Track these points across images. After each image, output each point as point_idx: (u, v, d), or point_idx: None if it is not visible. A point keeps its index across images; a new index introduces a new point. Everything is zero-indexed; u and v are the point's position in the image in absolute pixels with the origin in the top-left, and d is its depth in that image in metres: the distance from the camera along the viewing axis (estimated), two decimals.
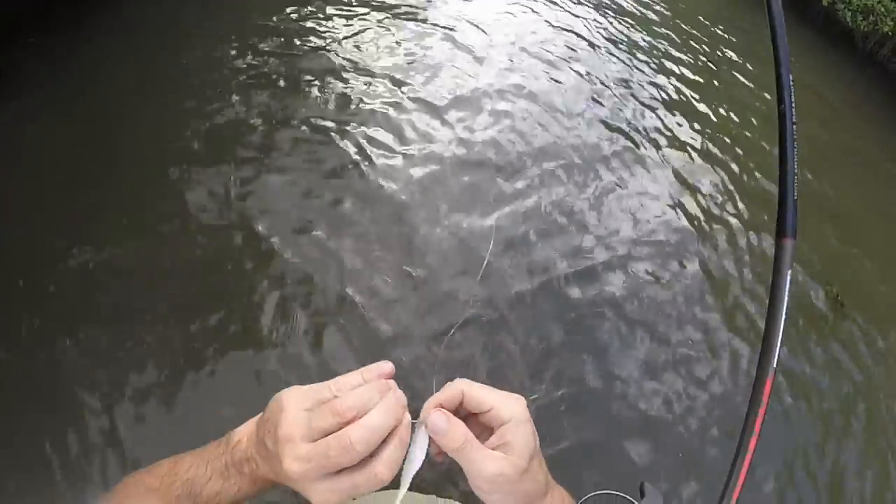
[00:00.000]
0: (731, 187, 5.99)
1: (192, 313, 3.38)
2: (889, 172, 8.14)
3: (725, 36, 9.59)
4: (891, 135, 9.57)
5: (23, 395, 2.92)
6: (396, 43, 6.05)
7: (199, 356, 3.19)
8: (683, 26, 9.24)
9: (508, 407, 0.78)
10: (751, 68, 8.69)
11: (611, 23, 8.34)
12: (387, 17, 6.35)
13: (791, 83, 0.95)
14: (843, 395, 4.54)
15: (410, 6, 6.68)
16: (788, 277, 0.88)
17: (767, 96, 7.99)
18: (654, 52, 8.07)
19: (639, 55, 7.75)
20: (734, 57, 8.92)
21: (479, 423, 0.81)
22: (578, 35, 7.63)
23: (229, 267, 3.65)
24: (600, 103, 6.45)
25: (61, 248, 3.48)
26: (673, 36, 8.72)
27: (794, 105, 0.93)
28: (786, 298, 0.87)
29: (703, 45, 8.89)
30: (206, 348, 3.24)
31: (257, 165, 4.30)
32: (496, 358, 3.73)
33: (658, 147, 6.17)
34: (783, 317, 0.87)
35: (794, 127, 0.92)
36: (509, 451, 0.75)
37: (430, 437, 0.77)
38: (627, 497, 0.97)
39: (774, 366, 0.87)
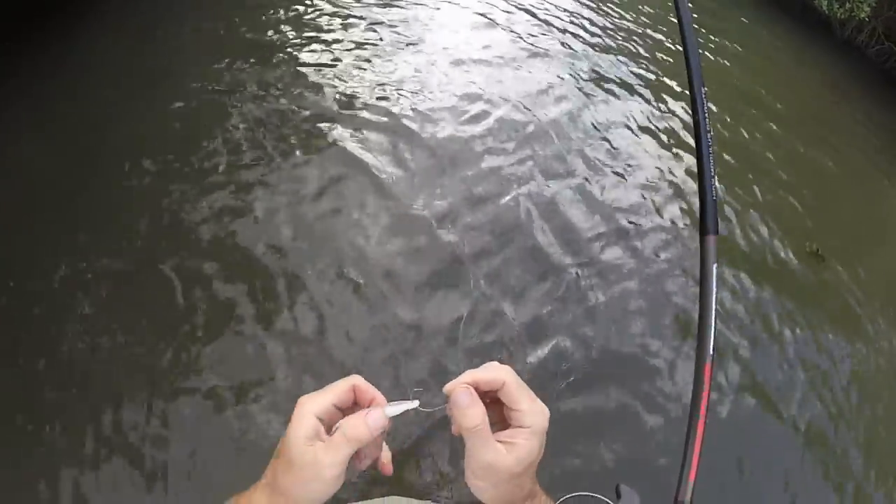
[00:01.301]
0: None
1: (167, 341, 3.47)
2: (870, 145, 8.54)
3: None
4: (872, 113, 9.92)
5: None
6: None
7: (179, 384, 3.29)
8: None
9: (534, 416, 0.82)
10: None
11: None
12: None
13: (704, 95, 1.04)
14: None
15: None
16: (715, 270, 0.97)
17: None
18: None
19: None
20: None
21: (499, 411, 0.87)
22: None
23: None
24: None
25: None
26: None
27: (706, 116, 1.02)
28: (714, 290, 0.96)
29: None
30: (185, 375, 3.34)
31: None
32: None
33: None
34: (713, 307, 0.96)
35: (710, 135, 1.02)
36: (511, 452, 0.80)
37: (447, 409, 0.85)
38: (604, 498, 1.05)
39: (711, 352, 0.96)
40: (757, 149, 6.99)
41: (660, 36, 8.79)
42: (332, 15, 6.56)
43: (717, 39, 9.76)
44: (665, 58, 8.12)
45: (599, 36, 8.05)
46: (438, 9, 7.32)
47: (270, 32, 6.05)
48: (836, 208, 6.67)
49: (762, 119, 7.74)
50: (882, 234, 6.83)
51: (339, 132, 4.97)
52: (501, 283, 4.19)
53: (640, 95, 7.02)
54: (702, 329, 0.97)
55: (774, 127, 7.67)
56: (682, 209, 5.45)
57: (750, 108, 7.86)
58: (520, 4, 8.13)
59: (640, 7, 9.55)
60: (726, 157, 6.60)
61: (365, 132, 5.02)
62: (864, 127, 9.48)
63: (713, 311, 0.96)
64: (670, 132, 6.51)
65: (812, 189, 6.68)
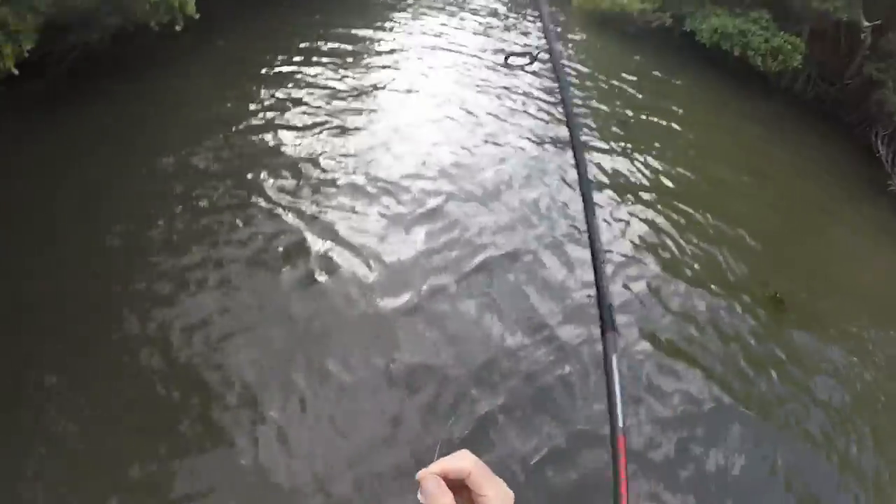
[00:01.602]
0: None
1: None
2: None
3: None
4: (809, 155, 10.72)
5: None
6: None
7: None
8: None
9: (498, 501, 0.87)
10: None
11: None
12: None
13: (595, 215, 1.29)
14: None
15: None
16: (615, 360, 1.20)
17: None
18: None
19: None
20: None
21: (468, 497, 0.90)
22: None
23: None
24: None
25: None
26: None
27: (598, 233, 1.27)
28: (616, 376, 1.18)
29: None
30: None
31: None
32: None
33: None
34: (617, 388, 1.18)
35: (602, 246, 1.26)
36: None
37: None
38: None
39: (621, 426, 1.17)
40: (713, 197, 7.41)
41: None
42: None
43: (664, 104, 10.41)
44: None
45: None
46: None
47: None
48: (791, 247, 7.06)
49: (712, 168, 8.25)
50: (829, 266, 7.19)
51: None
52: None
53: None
54: (611, 407, 1.19)
55: (726, 174, 8.19)
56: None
57: (702, 160, 8.39)
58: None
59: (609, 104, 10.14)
60: (683, 206, 7.06)
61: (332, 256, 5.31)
62: (815, 164, 10.17)
63: (617, 393, 1.18)
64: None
65: (765, 229, 7.13)
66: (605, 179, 7.28)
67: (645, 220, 6.71)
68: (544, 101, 8.84)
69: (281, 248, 5.25)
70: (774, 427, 4.73)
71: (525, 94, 9.01)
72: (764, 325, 5.58)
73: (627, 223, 6.63)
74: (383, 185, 6.22)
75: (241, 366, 4.19)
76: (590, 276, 5.93)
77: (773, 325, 5.59)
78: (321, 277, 4.99)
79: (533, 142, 7.79)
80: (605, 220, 6.41)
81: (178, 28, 7.39)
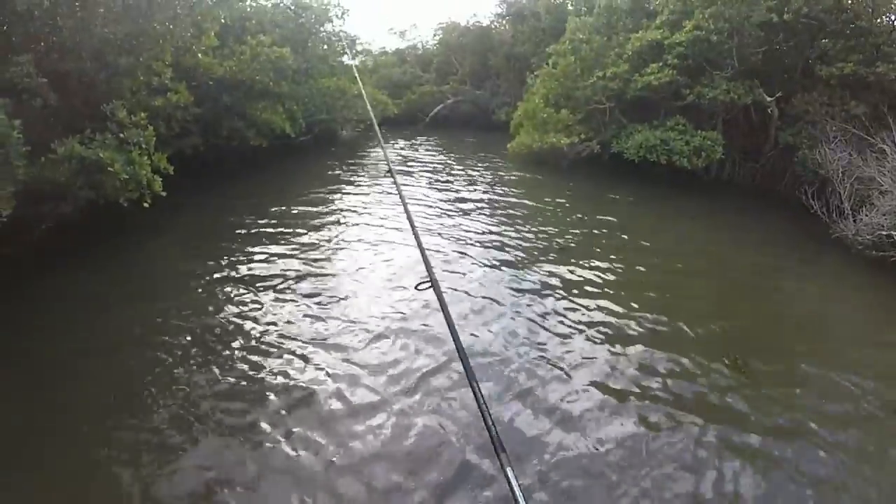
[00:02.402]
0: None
1: None
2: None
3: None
4: (754, 229, 11.78)
5: None
6: None
7: None
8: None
9: None
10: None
11: None
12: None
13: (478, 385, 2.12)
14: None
15: None
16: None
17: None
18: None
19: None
20: None
21: None
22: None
23: None
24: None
25: None
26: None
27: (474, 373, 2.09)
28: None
29: None
30: None
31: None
32: None
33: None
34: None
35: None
36: None
37: None
38: None
39: None
40: (668, 286, 8.20)
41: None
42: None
43: (605, 217, 11.59)
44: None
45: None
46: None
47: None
48: (751, 315, 7.76)
49: (663, 262, 9.17)
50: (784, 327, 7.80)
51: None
52: None
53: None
54: None
55: (677, 265, 9.11)
56: None
57: (651, 256, 9.34)
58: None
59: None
60: (652, 294, 7.88)
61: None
62: (760, 235, 11.23)
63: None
64: None
65: (722, 302, 7.93)
66: (556, 283, 8.17)
67: (605, 310, 7.42)
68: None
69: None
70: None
71: None
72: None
73: (585, 313, 7.31)
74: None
75: None
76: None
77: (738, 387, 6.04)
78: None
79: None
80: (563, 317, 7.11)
81: (146, 205, 7.91)
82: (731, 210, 13.14)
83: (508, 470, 1.85)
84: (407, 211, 3.78)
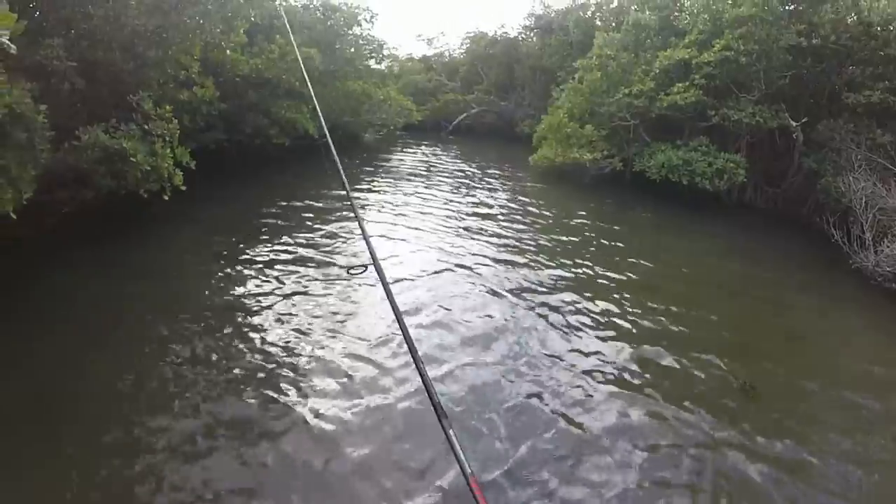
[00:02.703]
0: None
1: None
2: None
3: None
4: (773, 256, 11.67)
5: None
6: None
7: None
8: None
9: None
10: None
11: None
12: None
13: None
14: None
15: None
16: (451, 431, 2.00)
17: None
18: None
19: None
20: None
21: None
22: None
23: None
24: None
25: None
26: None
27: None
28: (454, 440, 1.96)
29: None
30: None
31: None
32: None
33: None
34: (456, 442, 1.94)
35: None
36: None
37: None
38: None
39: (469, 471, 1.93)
40: (686, 310, 8.11)
41: None
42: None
43: (621, 236, 11.51)
44: None
45: None
46: None
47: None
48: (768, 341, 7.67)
49: (682, 286, 9.08)
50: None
51: None
52: None
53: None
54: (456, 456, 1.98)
55: (695, 289, 9.01)
56: None
57: (672, 280, 9.27)
58: None
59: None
60: (675, 310, 7.87)
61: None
62: (779, 262, 11.10)
63: (457, 445, 1.96)
64: None
65: (740, 329, 7.84)
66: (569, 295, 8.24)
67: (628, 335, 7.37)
68: None
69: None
70: None
71: None
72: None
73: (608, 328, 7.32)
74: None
75: None
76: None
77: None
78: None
79: None
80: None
81: (165, 197, 8.09)
82: (751, 234, 12.97)
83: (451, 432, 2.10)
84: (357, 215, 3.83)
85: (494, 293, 7.99)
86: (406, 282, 8.14)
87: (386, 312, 7.02)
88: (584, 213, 13.23)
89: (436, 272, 8.59)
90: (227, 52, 11.64)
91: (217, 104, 11.46)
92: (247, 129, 13.68)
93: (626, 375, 6.36)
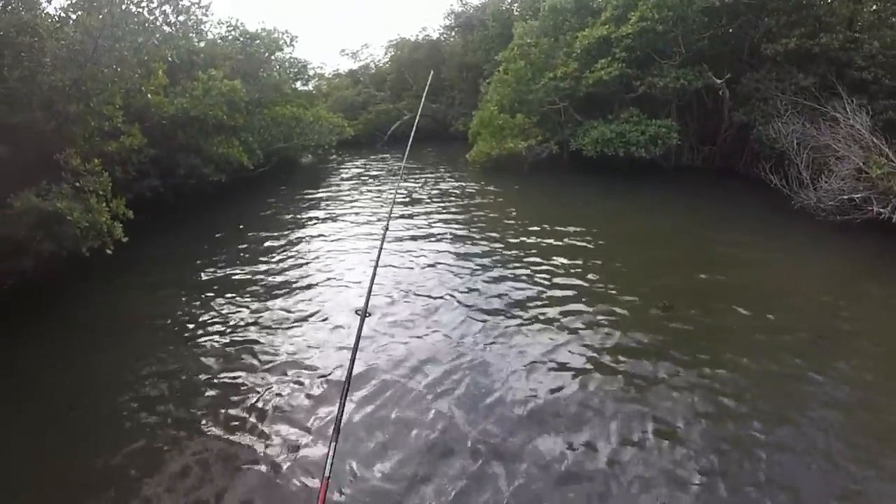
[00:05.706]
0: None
1: None
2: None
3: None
4: (717, 209, 11.82)
5: None
6: None
7: None
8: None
9: None
10: None
11: None
12: None
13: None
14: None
15: None
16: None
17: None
18: None
19: None
20: None
21: None
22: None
23: None
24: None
25: None
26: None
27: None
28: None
29: None
30: None
31: None
32: None
33: None
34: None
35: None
36: None
37: None
38: None
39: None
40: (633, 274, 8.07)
41: None
42: None
43: (568, 216, 11.42)
44: None
45: None
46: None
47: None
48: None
49: (628, 250, 9.06)
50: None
51: None
52: None
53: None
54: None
55: (645, 252, 8.98)
56: None
57: (618, 244, 9.24)
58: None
59: None
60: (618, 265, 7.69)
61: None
62: (724, 214, 11.31)
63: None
64: None
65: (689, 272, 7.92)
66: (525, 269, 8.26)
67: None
68: None
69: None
70: None
71: None
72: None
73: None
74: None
75: None
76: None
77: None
78: None
79: None
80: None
81: (108, 252, 7.68)
82: (692, 191, 13.22)
83: None
84: None
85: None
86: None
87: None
88: (525, 198, 13.24)
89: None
90: (149, 96, 11.12)
91: (147, 150, 10.90)
92: (180, 171, 12.98)
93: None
